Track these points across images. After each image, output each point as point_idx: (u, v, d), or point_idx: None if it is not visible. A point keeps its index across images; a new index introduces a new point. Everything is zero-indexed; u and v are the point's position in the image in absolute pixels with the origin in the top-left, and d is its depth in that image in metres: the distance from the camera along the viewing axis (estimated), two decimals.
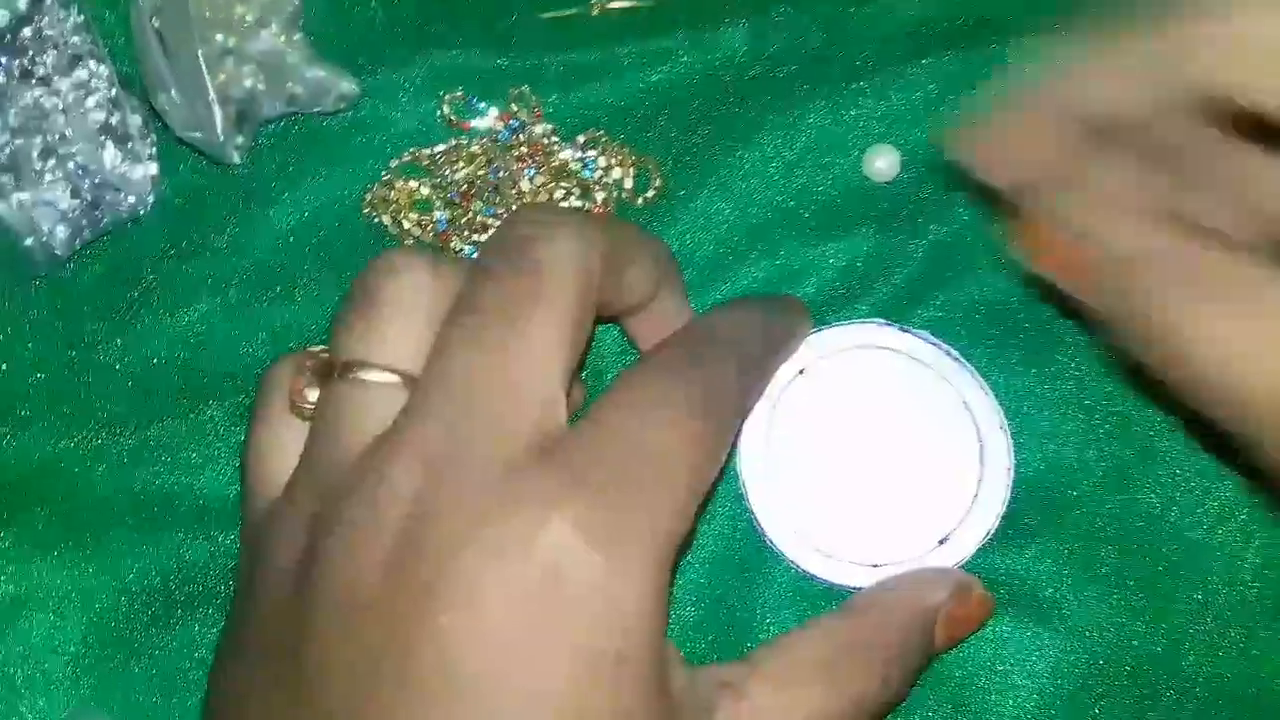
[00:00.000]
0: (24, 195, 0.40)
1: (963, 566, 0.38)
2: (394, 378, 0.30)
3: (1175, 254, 0.29)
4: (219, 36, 0.41)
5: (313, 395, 0.31)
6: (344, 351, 0.30)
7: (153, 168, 0.41)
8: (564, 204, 0.42)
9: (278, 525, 0.30)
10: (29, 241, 0.40)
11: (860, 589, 0.37)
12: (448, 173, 0.42)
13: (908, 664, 0.34)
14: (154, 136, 0.41)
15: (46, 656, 0.39)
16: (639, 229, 0.36)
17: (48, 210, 0.40)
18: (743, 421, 0.37)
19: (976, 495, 0.38)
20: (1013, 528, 0.38)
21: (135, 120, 0.41)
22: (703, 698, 0.30)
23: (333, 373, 0.30)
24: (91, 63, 0.41)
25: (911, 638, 0.34)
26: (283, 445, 0.32)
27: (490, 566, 0.26)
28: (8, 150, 0.40)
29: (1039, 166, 0.32)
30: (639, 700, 0.27)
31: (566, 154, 0.42)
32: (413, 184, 0.42)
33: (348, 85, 0.41)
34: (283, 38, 0.41)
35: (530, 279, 0.29)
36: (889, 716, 0.37)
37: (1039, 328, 0.40)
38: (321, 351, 0.32)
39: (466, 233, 0.41)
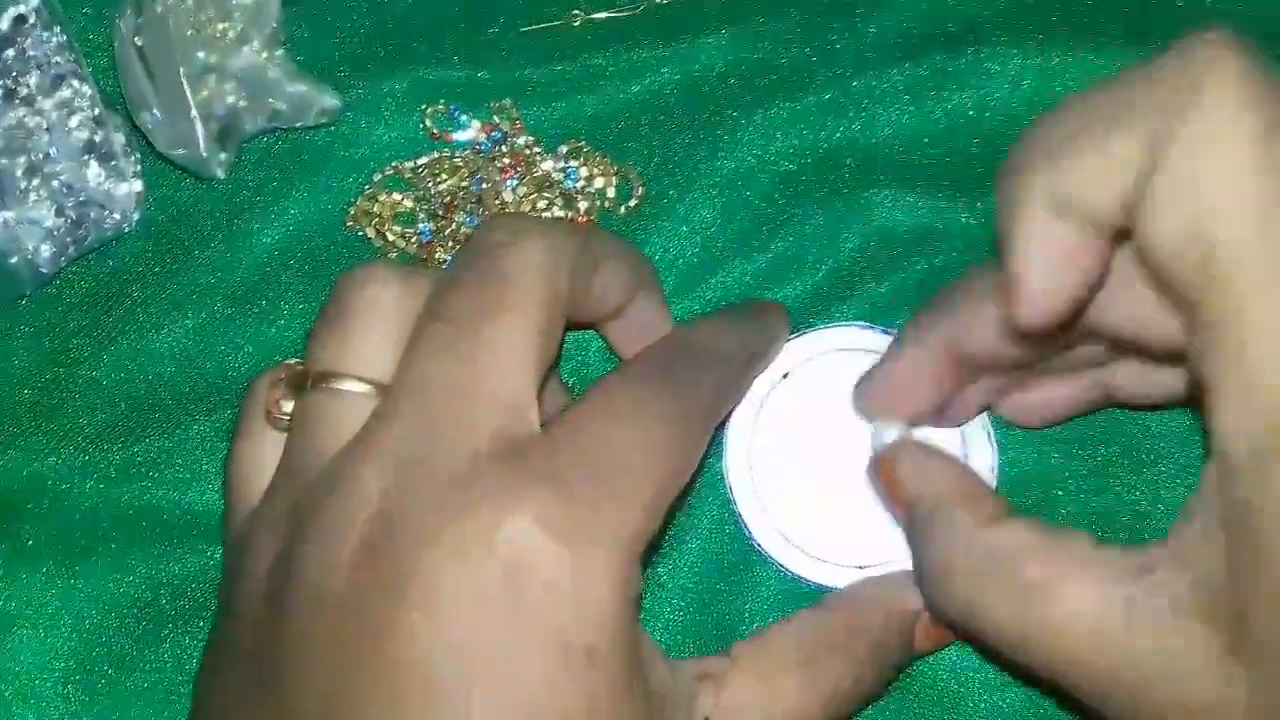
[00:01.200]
0: (9, 214, 0.40)
1: None
2: (366, 387, 0.30)
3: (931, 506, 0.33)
4: (201, 54, 0.41)
5: (288, 406, 0.32)
6: (318, 362, 0.31)
7: (137, 185, 0.41)
8: (547, 214, 0.42)
9: (254, 534, 0.30)
10: (14, 260, 0.40)
11: None
12: (431, 185, 0.42)
13: (883, 662, 0.34)
14: (138, 154, 0.42)
15: (36, 673, 0.39)
16: (612, 236, 0.36)
17: (33, 229, 0.41)
18: (717, 428, 0.37)
19: None
20: None
21: (119, 138, 0.41)
22: (684, 689, 0.30)
23: (307, 383, 0.31)
24: (75, 82, 0.41)
25: (889, 637, 0.35)
26: (263, 459, 0.32)
27: (453, 563, 0.26)
28: None
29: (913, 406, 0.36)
30: (613, 696, 0.27)
31: (548, 165, 0.42)
32: (396, 197, 0.42)
33: (329, 100, 0.42)
34: (264, 54, 0.41)
35: (497, 286, 0.29)
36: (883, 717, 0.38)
37: None
38: (298, 364, 0.32)
39: (451, 244, 0.41)
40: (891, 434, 0.36)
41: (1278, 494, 0.25)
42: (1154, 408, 0.38)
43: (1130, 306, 0.30)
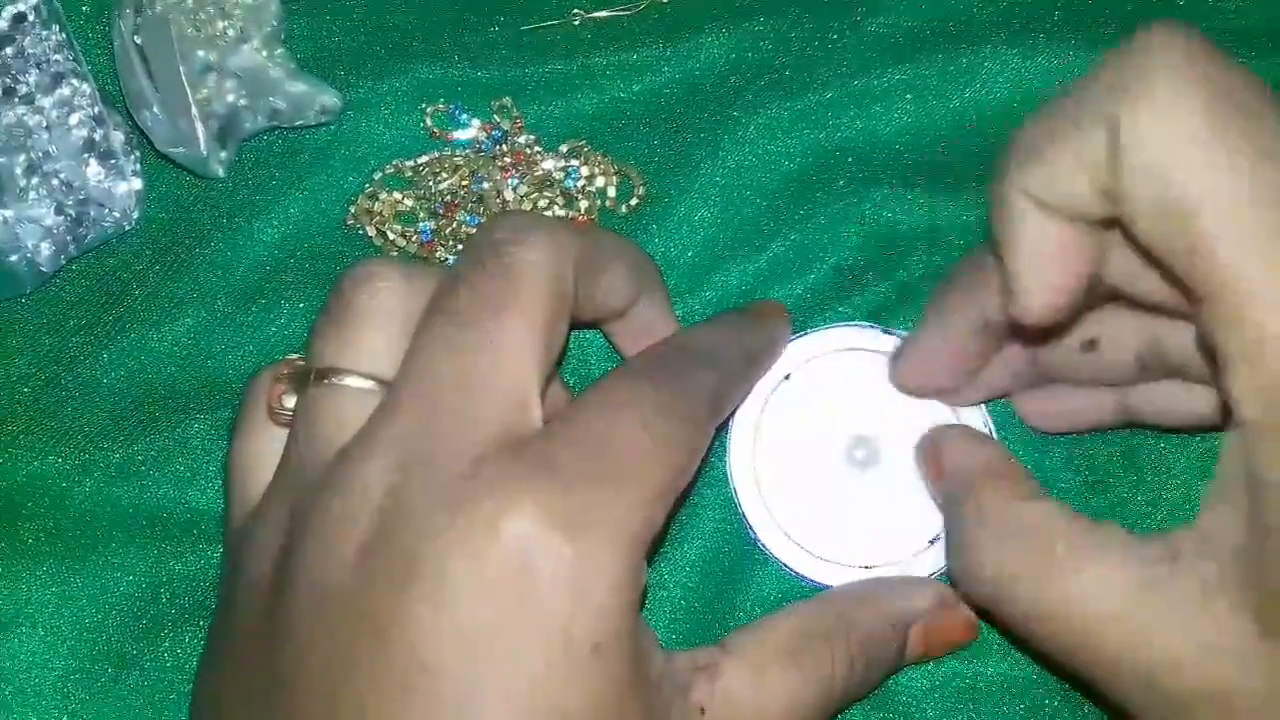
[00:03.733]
0: (8, 212, 0.40)
1: None
2: (369, 383, 0.30)
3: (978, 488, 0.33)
4: (200, 52, 0.41)
5: (290, 402, 0.32)
6: (320, 358, 0.31)
7: (136, 184, 0.41)
8: (547, 213, 0.42)
9: (256, 530, 0.30)
10: (14, 259, 0.40)
11: None
12: (431, 184, 0.42)
13: (875, 658, 0.34)
14: (137, 153, 0.42)
15: (36, 672, 0.39)
16: (616, 235, 0.36)
17: (33, 227, 0.40)
18: (720, 429, 0.37)
19: None
20: None
21: (118, 137, 0.41)
22: (679, 679, 0.30)
23: (309, 379, 0.31)
24: (74, 80, 0.41)
25: (883, 634, 0.35)
26: (264, 455, 0.32)
27: (457, 555, 0.27)
28: None
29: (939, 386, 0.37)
30: (617, 689, 0.27)
31: (549, 164, 0.42)
32: (396, 195, 0.42)
33: (330, 99, 0.41)
34: (264, 53, 0.41)
35: (502, 282, 0.30)
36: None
37: None
38: (300, 360, 0.32)
39: (451, 243, 0.41)
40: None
41: None
42: (1176, 430, 0.38)
43: (1121, 263, 0.30)
